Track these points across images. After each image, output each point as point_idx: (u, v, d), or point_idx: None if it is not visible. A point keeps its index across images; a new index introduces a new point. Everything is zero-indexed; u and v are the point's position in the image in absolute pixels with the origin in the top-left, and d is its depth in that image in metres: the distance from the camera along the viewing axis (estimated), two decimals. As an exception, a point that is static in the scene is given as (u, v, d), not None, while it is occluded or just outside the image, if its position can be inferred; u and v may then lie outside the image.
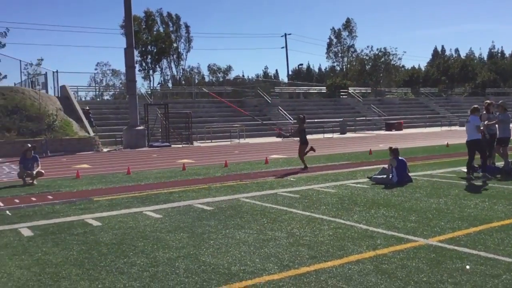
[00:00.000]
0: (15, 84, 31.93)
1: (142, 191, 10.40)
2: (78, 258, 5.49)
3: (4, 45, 30.64)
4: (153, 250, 5.75)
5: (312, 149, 14.01)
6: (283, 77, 78.65)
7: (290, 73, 74.64)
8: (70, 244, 6.14)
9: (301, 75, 76.76)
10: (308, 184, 10.82)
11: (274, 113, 38.63)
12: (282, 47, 69.73)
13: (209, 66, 72.75)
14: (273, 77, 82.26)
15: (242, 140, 29.79)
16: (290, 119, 36.81)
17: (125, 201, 9.20)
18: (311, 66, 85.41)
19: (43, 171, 12.58)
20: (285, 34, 67.40)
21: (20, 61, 32.25)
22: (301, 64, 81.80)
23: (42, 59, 32.10)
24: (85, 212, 8.20)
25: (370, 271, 4.76)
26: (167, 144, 27.34)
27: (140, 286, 4.55)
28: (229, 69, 72.82)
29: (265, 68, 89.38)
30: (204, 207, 8.34)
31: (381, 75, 69.66)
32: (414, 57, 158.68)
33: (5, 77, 32.11)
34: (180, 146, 27.00)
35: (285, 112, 38.39)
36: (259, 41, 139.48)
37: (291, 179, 11.73)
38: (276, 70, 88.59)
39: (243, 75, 75.87)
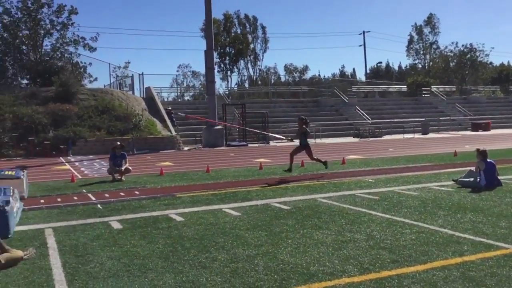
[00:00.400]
0: (104, 85, 34.17)
1: (221, 189, 10.69)
2: (164, 251, 5.77)
3: (95, 49, 33.09)
4: (233, 246, 5.90)
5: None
6: (361, 76, 76.94)
7: (368, 71, 72.89)
8: (155, 237, 6.47)
9: (379, 73, 74.51)
10: (387, 186, 10.52)
11: (351, 113, 37.92)
12: (360, 45, 68.29)
13: (285, 66, 73.10)
14: (350, 76, 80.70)
15: (318, 140, 29.55)
16: (368, 119, 35.94)
17: (205, 198, 9.50)
18: (390, 64, 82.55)
19: (130, 168, 13.31)
20: (363, 32, 66.03)
21: (109, 64, 34.64)
22: (380, 62, 79.23)
23: (129, 62, 34.26)
24: (169, 208, 8.58)
25: (457, 278, 4.54)
26: (244, 143, 27.81)
27: (221, 281, 4.69)
28: (305, 68, 72.69)
29: (342, 67, 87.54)
30: (281, 206, 8.40)
31: (467, 72, 65.88)
32: (503, 53, 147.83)
33: (96, 79, 34.72)
34: (257, 145, 27.35)
35: (362, 112, 37.55)
36: (336, 40, 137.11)
37: (370, 180, 11.48)
38: (354, 69, 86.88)
39: (319, 75, 75.15)
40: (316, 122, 33.00)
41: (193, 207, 8.61)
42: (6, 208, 6.76)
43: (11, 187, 8.06)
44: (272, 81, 62.02)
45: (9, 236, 6.63)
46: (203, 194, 10.01)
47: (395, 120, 35.78)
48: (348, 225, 6.87)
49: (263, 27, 63.08)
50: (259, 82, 62.12)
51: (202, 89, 49.07)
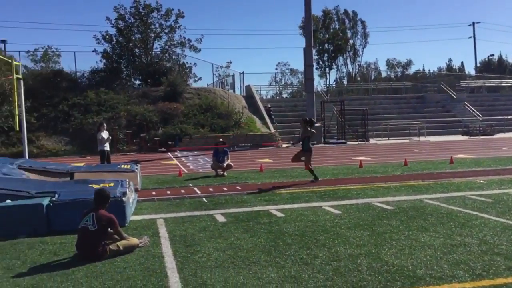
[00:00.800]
0: (207, 85, 35.72)
1: (320, 186, 10.65)
2: (266, 246, 5.91)
3: (199, 50, 34.61)
4: (334, 244, 5.87)
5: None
6: (470, 70, 71.75)
7: (478, 65, 67.75)
8: (258, 232, 6.64)
9: (491, 67, 68.83)
10: (502, 187, 9.73)
11: (459, 109, 35.57)
12: (469, 37, 63.80)
13: (387, 61, 70.52)
14: (458, 70, 75.56)
15: (422, 138, 28.18)
16: (478, 115, 33.46)
17: (305, 195, 9.54)
18: (503, 57, 75.84)
19: (232, 164, 13.78)
20: (473, 23, 61.52)
21: (212, 64, 36.19)
22: (492, 55, 73.02)
23: (230, 62, 35.40)
24: (269, 203, 8.75)
25: None
26: (343, 141, 27.39)
27: (324, 278, 4.69)
28: (409, 63, 69.49)
29: (448, 61, 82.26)
30: (383, 206, 8.16)
31: None
32: None
33: (200, 78, 36.34)
34: (356, 143, 26.79)
35: (472, 108, 35.04)
36: (443, 32, 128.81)
37: (481, 181, 10.71)
38: (462, 63, 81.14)
39: (423, 69, 71.39)
40: (421, 119, 31.50)
41: (293, 203, 8.69)
42: (123, 199, 7.38)
43: (127, 180, 8.77)
44: (372, 77, 60.25)
45: (126, 225, 7.22)
46: (302, 191, 10.06)
47: (509, 117, 32.92)
48: (457, 228, 6.48)
49: (363, 22, 61.50)
50: (358, 79, 60.65)
51: (300, 86, 49.13)
